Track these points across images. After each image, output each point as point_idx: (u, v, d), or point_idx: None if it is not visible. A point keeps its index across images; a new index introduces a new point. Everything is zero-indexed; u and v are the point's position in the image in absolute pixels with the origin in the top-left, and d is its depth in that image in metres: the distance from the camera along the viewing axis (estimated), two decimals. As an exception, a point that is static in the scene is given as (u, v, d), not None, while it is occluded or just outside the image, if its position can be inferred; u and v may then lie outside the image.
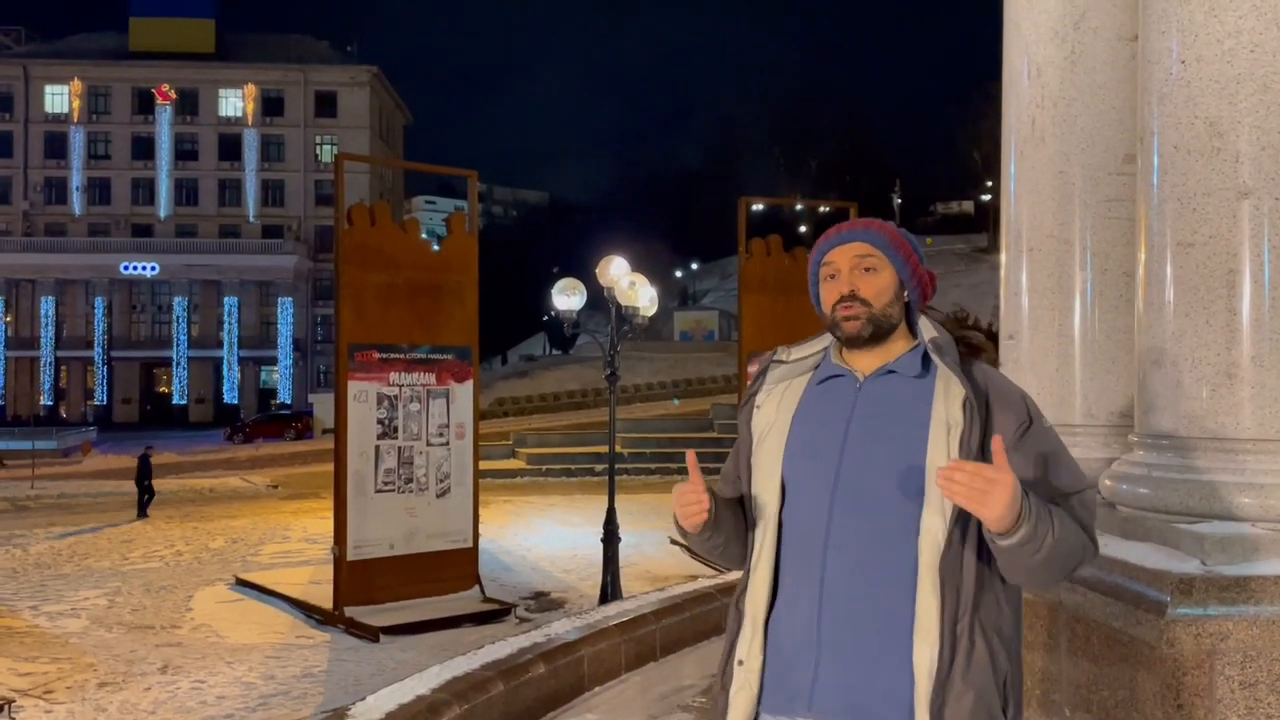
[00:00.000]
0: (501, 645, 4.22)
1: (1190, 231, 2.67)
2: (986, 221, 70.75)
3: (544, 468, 27.56)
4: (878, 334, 1.90)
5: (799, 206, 68.05)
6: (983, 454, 1.75)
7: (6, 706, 6.47)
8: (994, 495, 1.62)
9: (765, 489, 1.92)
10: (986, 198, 70.16)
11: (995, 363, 1.96)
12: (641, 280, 10.31)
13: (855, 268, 1.92)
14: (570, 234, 67.81)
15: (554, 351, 64.48)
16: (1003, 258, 3.78)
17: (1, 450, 32.68)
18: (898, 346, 1.93)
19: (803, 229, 67.06)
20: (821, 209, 64.53)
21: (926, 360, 1.90)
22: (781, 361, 2.00)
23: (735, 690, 1.88)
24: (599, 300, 11.53)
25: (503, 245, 71.47)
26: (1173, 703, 2.29)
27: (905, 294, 1.95)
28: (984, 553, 1.78)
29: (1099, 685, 2.57)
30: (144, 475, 18.82)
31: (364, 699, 3.41)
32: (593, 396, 42.89)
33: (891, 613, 1.78)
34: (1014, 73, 3.68)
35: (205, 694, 7.36)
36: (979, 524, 1.73)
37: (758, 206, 36.59)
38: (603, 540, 10.30)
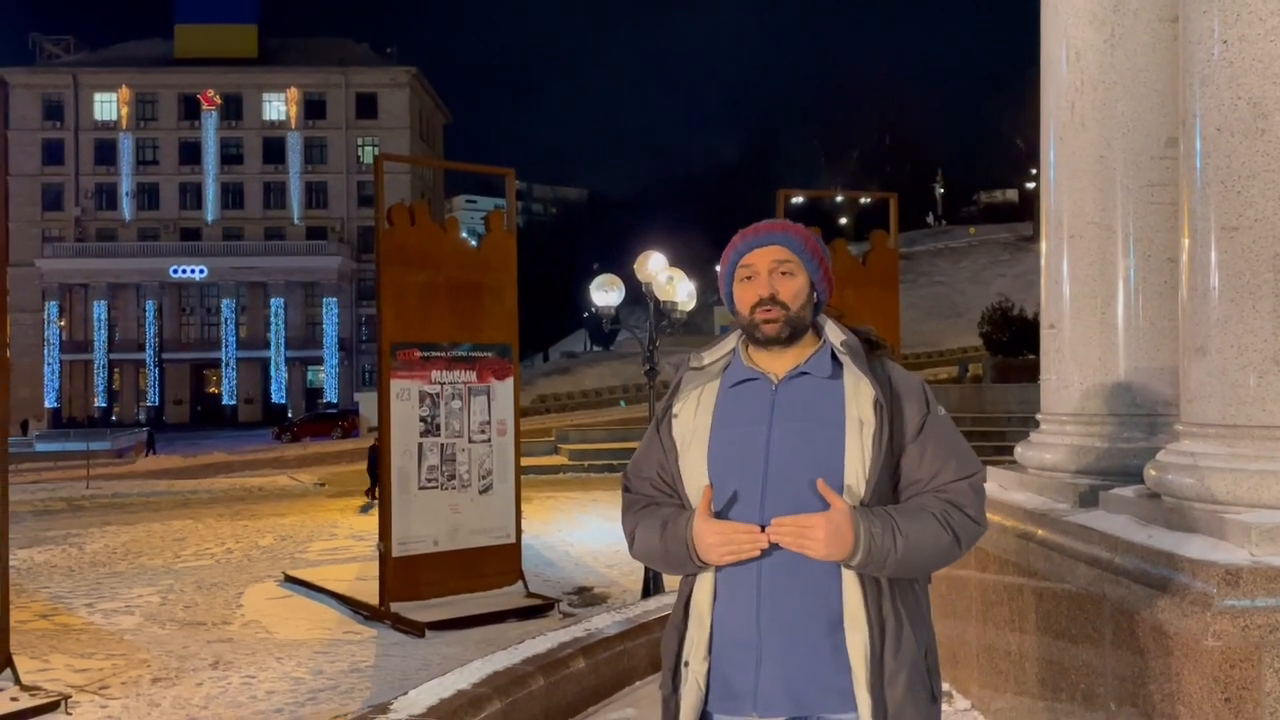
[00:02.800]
0: (542, 640, 4.25)
1: (1235, 215, 2.61)
2: (1031, 210, 69.77)
3: (586, 463, 27.65)
4: (794, 335, 1.97)
5: (839, 198, 67.63)
6: (893, 449, 1.91)
7: (64, 702, 6.62)
8: (808, 543, 1.79)
9: (695, 495, 1.97)
10: (1031, 185, 69.21)
11: (895, 357, 2.06)
12: (679, 275, 10.29)
13: (774, 271, 1.98)
14: (610, 230, 68.00)
15: (595, 348, 64.65)
16: (1043, 246, 3.72)
17: (56, 451, 33.51)
18: (805, 347, 2.00)
19: (843, 221, 66.66)
20: (863, 200, 64.04)
21: (834, 360, 1.98)
22: (694, 368, 2.05)
23: (685, 692, 1.95)
24: (639, 296, 11.53)
25: (543, 243, 71.83)
26: (1220, 696, 2.24)
27: (815, 296, 2.02)
28: None
29: (1145, 679, 2.53)
30: (374, 465, 19.86)
31: (406, 694, 3.45)
32: (634, 392, 42.96)
33: (823, 606, 1.88)
34: (1052, 57, 3.63)
35: (255, 689, 7.46)
36: None
37: (797, 199, 36.42)
38: (645, 535, 10.26)
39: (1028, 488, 3.61)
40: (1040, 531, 3.14)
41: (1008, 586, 3.34)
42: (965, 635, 3.65)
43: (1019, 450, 3.84)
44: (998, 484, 3.82)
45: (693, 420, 2.00)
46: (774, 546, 1.88)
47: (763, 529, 1.87)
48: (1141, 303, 3.41)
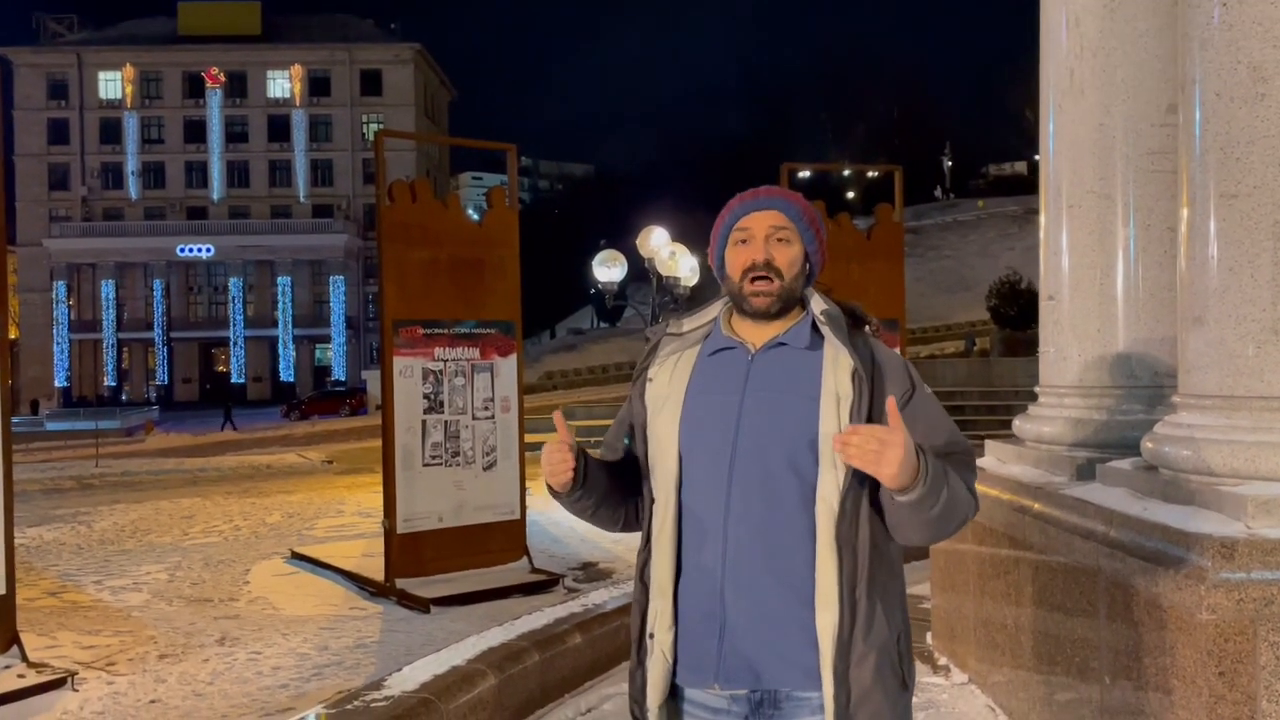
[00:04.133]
0: (538, 616, 4.25)
1: (1234, 182, 2.56)
2: (1039, 182, 69.29)
3: (593, 439, 27.68)
4: (783, 310, 1.93)
5: (846, 172, 67.26)
6: (874, 423, 1.80)
7: (70, 679, 6.65)
8: (887, 455, 1.68)
9: (663, 462, 1.94)
10: (1039, 158, 68.66)
11: (878, 333, 1.99)
12: (682, 250, 10.24)
13: (770, 237, 1.93)
14: (616, 206, 67.73)
15: (601, 324, 64.65)
16: (1042, 216, 3.68)
17: (66, 430, 33.70)
18: (789, 319, 1.96)
19: (850, 195, 66.31)
20: (869, 174, 63.71)
21: (814, 331, 1.92)
22: (673, 334, 2.00)
23: (651, 663, 1.92)
24: (643, 271, 11.48)
25: (549, 219, 71.62)
26: (1214, 670, 2.22)
27: (808, 267, 1.97)
28: (876, 519, 1.83)
29: (1139, 653, 2.51)
30: None
31: (400, 670, 3.46)
32: (641, 368, 42.86)
33: (792, 581, 1.82)
34: (1051, 23, 3.57)
35: (261, 665, 7.49)
36: (871, 491, 1.81)
37: (804, 174, 36.23)
38: (649, 510, 10.25)
39: (1025, 461, 3.58)
40: (1036, 505, 3.12)
41: (1004, 560, 3.32)
42: (963, 609, 3.63)
43: (1017, 423, 3.81)
44: (995, 457, 3.79)
45: (667, 386, 1.96)
46: (739, 515, 1.84)
47: (728, 500, 1.85)
48: (1141, 273, 3.37)
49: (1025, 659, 3.17)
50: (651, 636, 1.92)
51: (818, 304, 1.94)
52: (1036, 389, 3.71)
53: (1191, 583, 2.29)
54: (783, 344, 1.92)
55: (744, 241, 1.94)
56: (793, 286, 1.92)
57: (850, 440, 1.70)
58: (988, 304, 38.26)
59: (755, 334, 1.94)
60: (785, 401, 1.86)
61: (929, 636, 3.95)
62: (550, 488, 1.99)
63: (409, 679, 3.37)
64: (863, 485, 1.81)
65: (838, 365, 1.86)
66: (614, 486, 2.02)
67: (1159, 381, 3.31)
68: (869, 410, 1.84)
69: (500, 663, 3.68)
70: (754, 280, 1.90)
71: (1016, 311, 34.62)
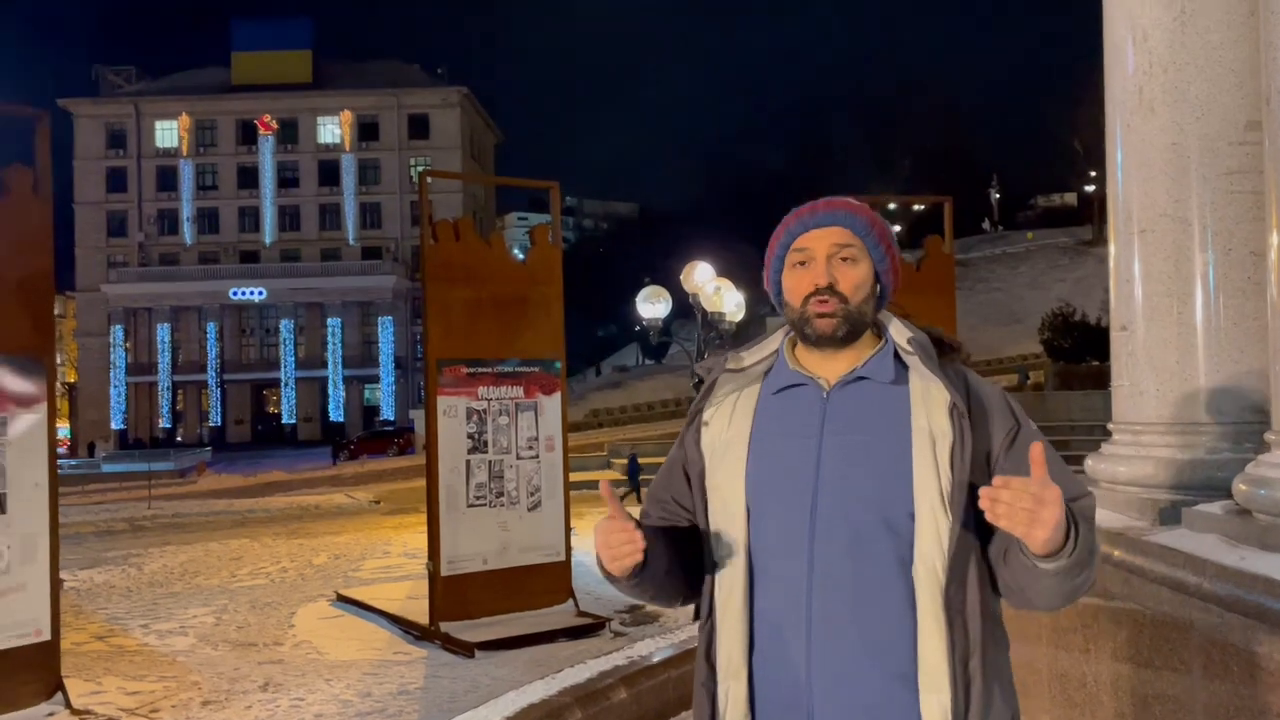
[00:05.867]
0: (581, 669, 4.06)
1: (1330, 201, 2.36)
2: (1090, 212, 68.41)
3: (640, 478, 27.49)
4: (851, 335, 1.66)
5: (892, 205, 66.85)
6: (974, 467, 1.55)
7: (112, 726, 6.57)
8: (1043, 515, 1.41)
9: (727, 519, 1.67)
10: (1090, 188, 67.77)
11: (967, 361, 1.72)
12: (727, 285, 10.10)
13: (833, 257, 1.67)
14: (661, 243, 67.97)
15: (647, 361, 64.59)
16: (1111, 244, 3.47)
17: (121, 472, 34.22)
18: (864, 348, 1.69)
19: (897, 228, 65.83)
20: (915, 206, 63.30)
21: (897, 362, 1.67)
22: (732, 370, 1.74)
23: None
24: (688, 308, 11.36)
25: (594, 257, 72.02)
26: (1331, 740, 1.99)
27: (879, 288, 1.71)
28: (986, 580, 1.57)
29: (1237, 715, 2.27)
30: (634, 474, 21.31)
31: (436, 728, 3.31)
32: (686, 405, 42.71)
33: (892, 659, 1.55)
34: (1117, 40, 3.38)
35: (304, 711, 7.38)
36: (980, 549, 1.55)
37: (849, 207, 35.88)
38: (697, 551, 10.05)
39: (1101, 504, 3.35)
40: (1116, 552, 2.89)
41: (1081, 611, 3.09)
42: (1035, 662, 3.39)
43: (1089, 463, 3.58)
44: (1067, 499, 3.56)
45: (726, 430, 1.70)
46: (824, 582, 1.57)
47: (810, 563, 1.58)
48: (1223, 301, 3.15)
49: (1106, 717, 2.93)
50: None
51: (899, 331, 1.69)
52: (1110, 425, 3.48)
53: (1302, 642, 2.06)
54: (863, 378, 1.66)
55: (803, 264, 1.69)
56: (862, 309, 1.67)
57: (1000, 496, 1.42)
58: (1040, 336, 37.62)
59: (826, 367, 1.69)
60: (871, 445, 1.61)
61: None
62: (605, 571, 1.67)
63: (446, 738, 3.21)
64: (972, 540, 1.55)
65: (929, 400, 1.61)
66: (675, 557, 1.71)
67: (1245, 417, 3.08)
68: (971, 451, 1.58)
69: (542, 720, 3.50)
70: (816, 302, 1.66)
71: (1070, 344, 33.98)
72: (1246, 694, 2.25)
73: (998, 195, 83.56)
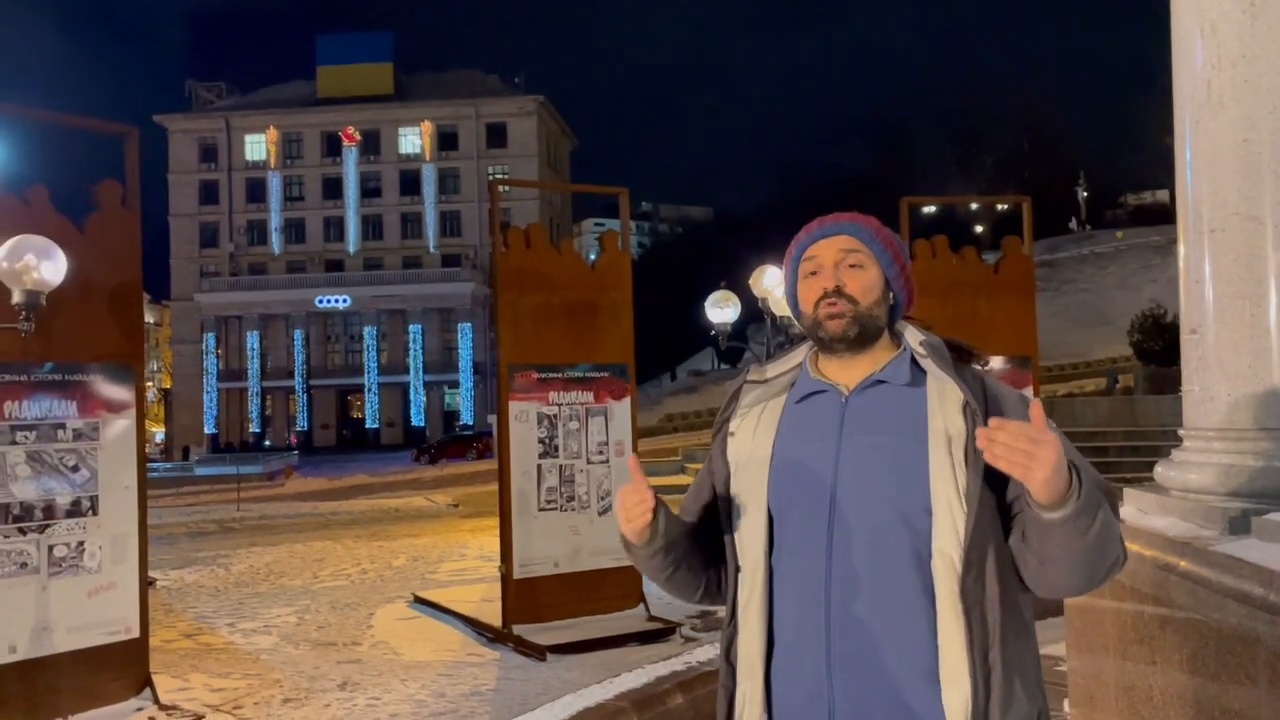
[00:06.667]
0: (639, 673, 4.08)
1: (1405, 197, 2.26)
2: (1177, 206, 66.08)
3: (715, 482, 27.45)
4: (863, 335, 1.71)
5: (974, 206, 65.54)
6: (989, 467, 1.54)
7: (197, 721, 6.80)
8: (1040, 455, 1.44)
9: (750, 525, 1.72)
10: (1176, 180, 65.51)
11: (986, 367, 1.74)
12: (798, 289, 10.01)
13: (840, 263, 1.73)
14: (735, 248, 67.73)
15: (722, 366, 64.41)
16: (1180, 244, 3.37)
17: (213, 475, 35.41)
18: (882, 354, 1.74)
19: (979, 229, 64.53)
20: (999, 207, 61.94)
21: (914, 367, 1.70)
22: (755, 381, 1.81)
23: None
24: (759, 312, 11.30)
25: (669, 262, 72.08)
26: (1404, 761, 1.90)
27: (890, 296, 1.75)
28: (1007, 571, 1.57)
29: (1310, 735, 2.19)
30: None
31: (492, 729, 3.35)
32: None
33: (911, 652, 1.57)
34: (1184, 33, 3.29)
35: (380, 711, 7.53)
36: (999, 541, 1.56)
37: (927, 209, 35.34)
38: (769, 557, 9.99)
39: (1170, 512, 3.25)
40: (1183, 563, 2.80)
41: (1148, 621, 3.00)
42: (1103, 674, 3.31)
43: (1159, 470, 3.48)
44: (1136, 507, 3.46)
45: (751, 439, 1.76)
46: (843, 578, 1.61)
47: (829, 561, 1.62)
48: (1298, 302, 3.03)
49: (1175, 733, 2.84)
50: None
51: (914, 335, 1.75)
52: (1180, 431, 3.38)
53: (1371, 658, 1.98)
54: (881, 382, 1.71)
55: (813, 273, 1.76)
56: (873, 313, 1.73)
57: (996, 437, 1.45)
58: (1130, 339, 36.49)
59: (845, 373, 1.74)
60: (888, 445, 1.65)
61: (1065, 704, 3.62)
62: (624, 540, 1.78)
63: (501, 740, 3.25)
64: (989, 533, 1.57)
65: (944, 400, 1.65)
66: (695, 549, 1.80)
67: (1323, 423, 2.96)
68: None
69: (597, 724, 3.53)
70: (825, 304, 1.72)
71: (1162, 346, 32.87)
72: (1315, 711, 2.17)
73: (1085, 194, 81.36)
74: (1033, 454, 1.43)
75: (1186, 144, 3.31)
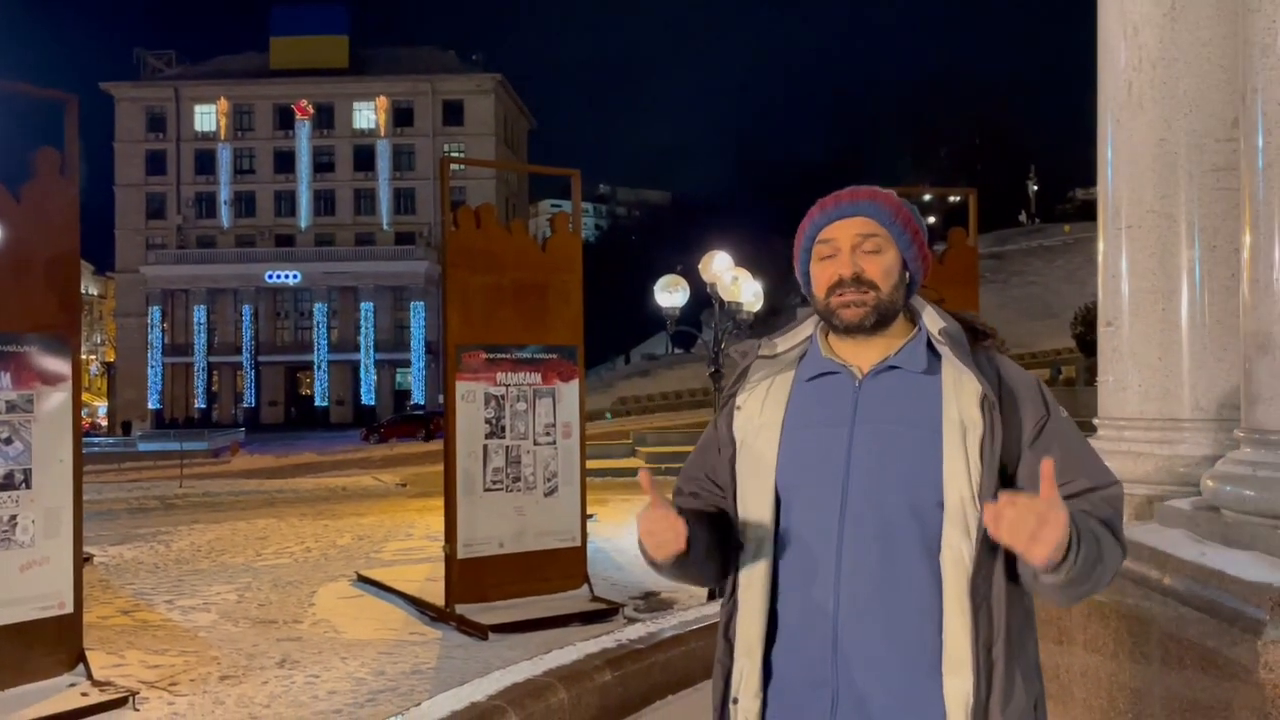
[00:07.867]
0: (569, 650, 4.13)
1: (1300, 199, 2.36)
2: (1098, 202, 67.38)
3: (664, 466, 27.46)
4: (881, 323, 1.67)
5: (927, 197, 66.28)
6: (1004, 459, 1.57)
7: (131, 698, 6.76)
8: (1044, 534, 1.41)
9: (756, 503, 1.69)
10: (1097, 176, 66.77)
11: (1002, 348, 1.72)
12: (745, 275, 10.11)
13: (857, 247, 1.67)
14: (693, 232, 67.83)
15: (676, 350, 64.62)
16: (1100, 239, 3.48)
17: (156, 451, 34.83)
18: (896, 336, 1.70)
19: (931, 220, 65.28)
20: (951, 199, 62.76)
21: (929, 351, 1.67)
22: (765, 356, 1.75)
23: None
24: (709, 298, 11.38)
25: (625, 245, 72.02)
26: (1275, 733, 2.02)
27: (907, 275, 1.71)
28: (1013, 571, 1.58)
29: (1193, 709, 2.30)
30: None
31: (419, 704, 3.39)
32: (713, 395, 42.72)
33: (917, 645, 1.58)
34: (1108, 34, 3.39)
35: (318, 688, 7.53)
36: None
37: (881, 198, 35.67)
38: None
39: (1083, 497, 3.37)
40: (1089, 545, 2.92)
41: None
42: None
43: (1074, 457, 3.59)
44: (1052, 493, 3.58)
45: (759, 415, 1.71)
46: (854, 568, 1.60)
47: (840, 549, 1.60)
48: (1207, 298, 3.15)
49: (1074, 709, 2.96)
50: (735, 702, 1.69)
51: (932, 320, 1.69)
52: (1095, 420, 3.50)
53: (1248, 637, 2.08)
54: (895, 367, 1.66)
55: (829, 256, 1.69)
56: (892, 298, 1.67)
57: (1004, 514, 1.42)
58: (1073, 331, 37.20)
59: (859, 355, 1.69)
60: (902, 435, 1.61)
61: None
62: (650, 558, 1.68)
63: (427, 714, 3.28)
64: None
65: (961, 390, 1.61)
66: (713, 540, 1.72)
67: (1225, 414, 3.08)
68: (1002, 442, 1.59)
69: (521, 700, 3.56)
70: (841, 293, 1.66)
71: (1102, 339, 33.52)
72: (1199, 686, 2.28)
73: (1035, 187, 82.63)
74: (1037, 533, 1.42)
75: (1109, 142, 3.41)
